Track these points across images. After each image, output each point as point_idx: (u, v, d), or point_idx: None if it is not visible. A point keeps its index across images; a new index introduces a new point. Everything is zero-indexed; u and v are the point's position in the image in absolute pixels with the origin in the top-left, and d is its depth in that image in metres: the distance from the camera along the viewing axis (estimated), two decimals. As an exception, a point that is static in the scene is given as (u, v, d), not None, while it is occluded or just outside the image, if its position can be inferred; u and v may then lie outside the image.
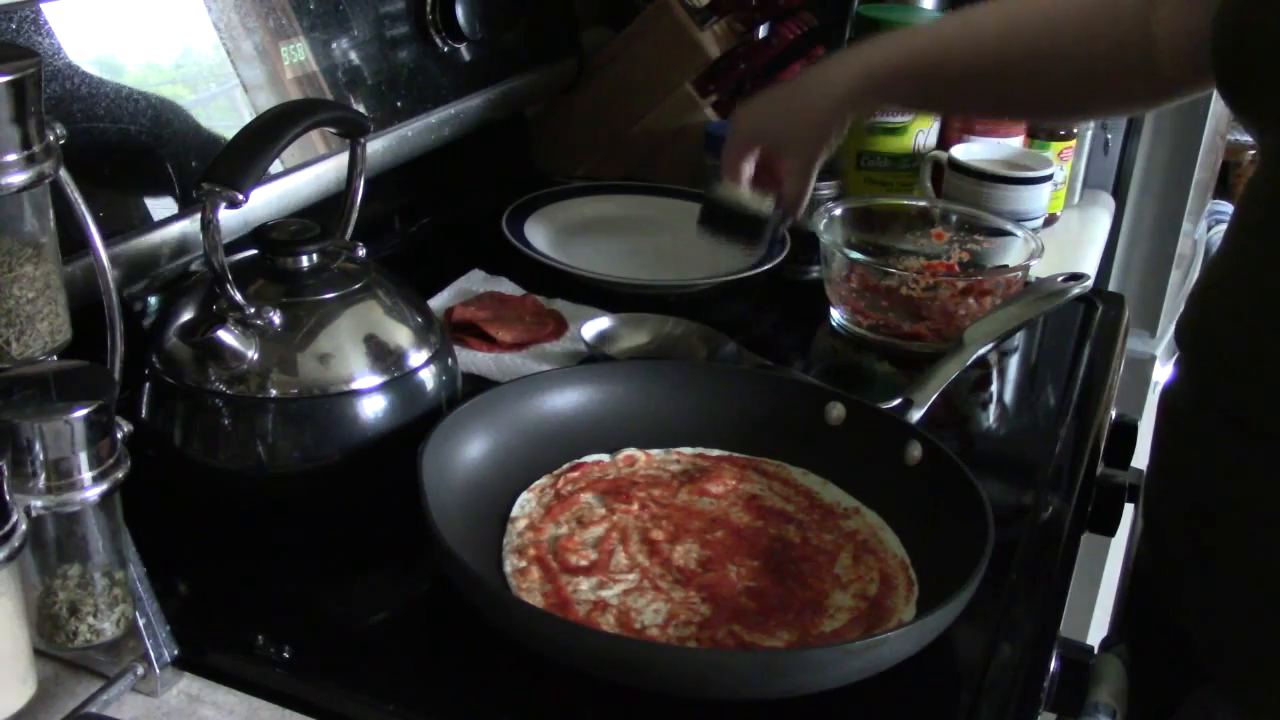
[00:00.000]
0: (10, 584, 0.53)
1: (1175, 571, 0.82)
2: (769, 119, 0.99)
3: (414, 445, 0.69)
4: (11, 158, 0.55)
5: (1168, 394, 0.84)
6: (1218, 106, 1.58)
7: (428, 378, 0.75)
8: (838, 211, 1.09)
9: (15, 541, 0.51)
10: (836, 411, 0.80)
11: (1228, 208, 2.25)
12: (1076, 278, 1.04)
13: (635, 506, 0.74)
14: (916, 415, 0.84)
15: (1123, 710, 0.70)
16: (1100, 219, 1.45)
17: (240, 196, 0.67)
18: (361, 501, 0.73)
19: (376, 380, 0.72)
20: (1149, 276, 1.69)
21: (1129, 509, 0.98)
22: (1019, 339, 1.06)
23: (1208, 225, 2.07)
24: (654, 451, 0.80)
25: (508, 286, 1.07)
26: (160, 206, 0.79)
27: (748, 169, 0.99)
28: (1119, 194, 1.58)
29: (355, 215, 0.81)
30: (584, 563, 0.69)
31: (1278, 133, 0.68)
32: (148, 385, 0.72)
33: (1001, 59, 0.90)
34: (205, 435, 0.71)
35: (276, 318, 0.71)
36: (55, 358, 0.60)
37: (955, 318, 1.00)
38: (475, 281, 1.07)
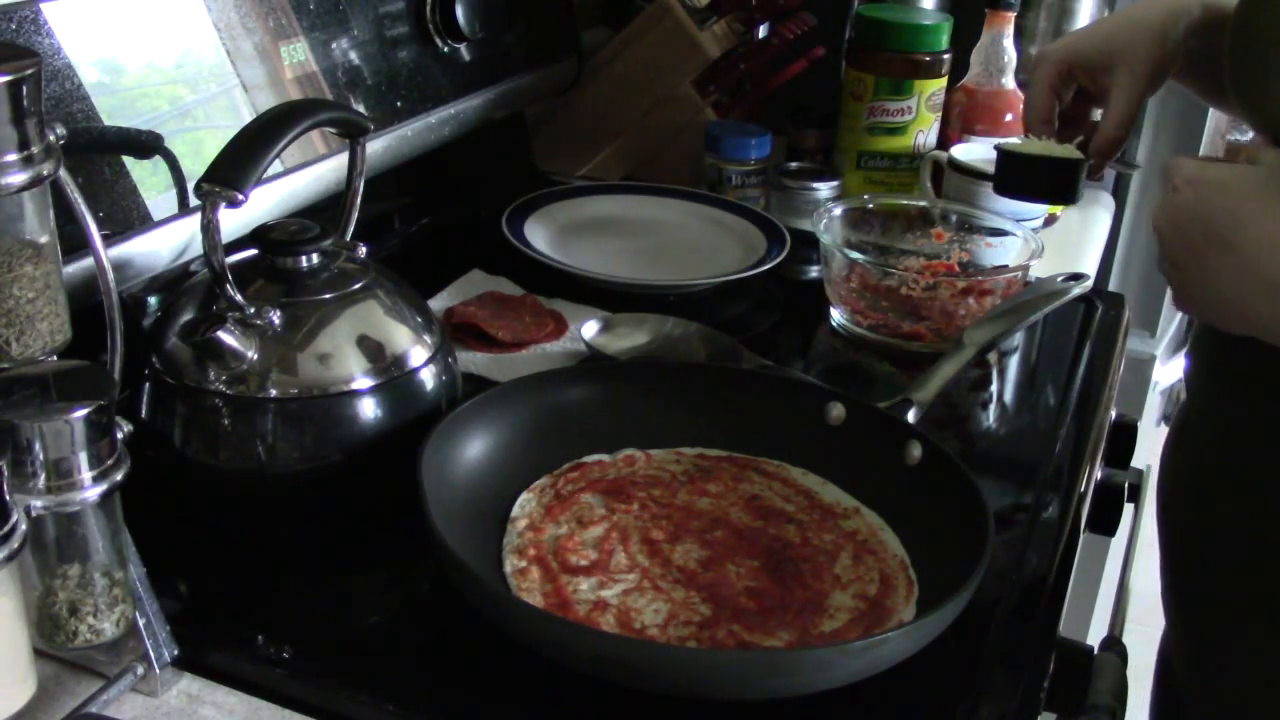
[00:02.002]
0: (10, 584, 0.53)
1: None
2: (1088, 36, 0.85)
3: (414, 445, 0.69)
4: (11, 158, 0.55)
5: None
6: (1218, 106, 1.57)
7: (427, 378, 0.75)
8: (838, 211, 1.09)
9: (15, 541, 0.52)
10: (836, 411, 0.80)
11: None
12: (1076, 278, 1.04)
13: (635, 506, 0.74)
14: (916, 415, 0.84)
15: (1123, 711, 0.70)
16: (1100, 219, 1.45)
17: (240, 196, 0.67)
18: (361, 501, 0.73)
19: (376, 380, 0.72)
20: (1149, 276, 1.69)
21: (1129, 509, 0.98)
22: (1019, 339, 1.06)
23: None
24: (654, 451, 0.80)
25: (508, 286, 1.07)
26: (160, 206, 0.79)
27: (1055, 110, 0.86)
28: (1119, 194, 1.58)
29: (355, 215, 0.81)
30: (584, 563, 0.69)
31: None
32: (148, 385, 0.72)
33: None
34: (205, 435, 0.71)
35: (276, 318, 0.71)
36: (55, 358, 0.60)
37: (955, 318, 1.00)
38: (475, 281, 1.07)
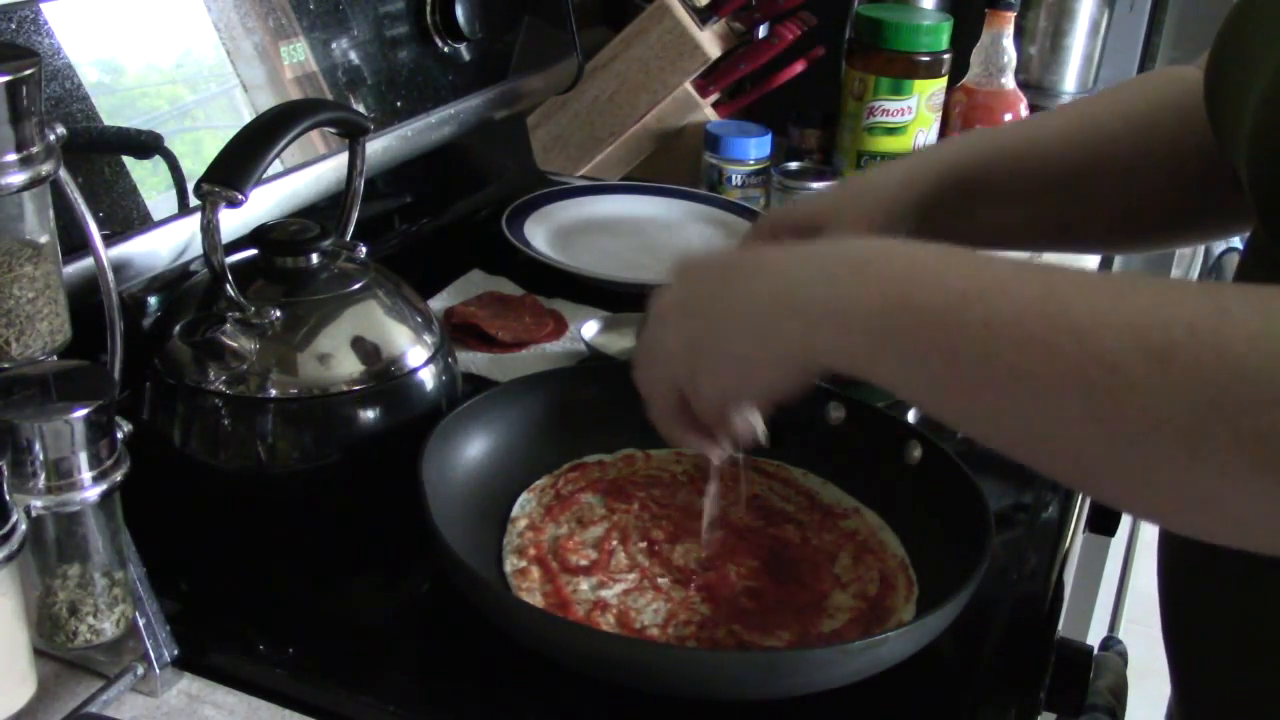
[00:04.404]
0: (10, 584, 0.53)
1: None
2: (807, 199, 0.77)
3: (414, 445, 0.69)
4: (11, 158, 0.55)
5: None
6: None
7: (427, 378, 0.75)
8: (838, 211, 1.09)
9: (15, 542, 0.51)
10: (836, 411, 0.80)
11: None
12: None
13: (635, 506, 0.74)
14: (916, 415, 0.84)
15: (1123, 710, 0.70)
16: (1100, 219, 1.44)
17: (240, 196, 0.67)
18: (361, 501, 0.73)
19: (376, 380, 0.72)
20: (1148, 274, 1.68)
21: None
22: (1019, 339, 1.05)
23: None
24: (654, 451, 0.80)
25: (508, 286, 1.07)
26: (160, 206, 0.79)
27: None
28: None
29: (355, 215, 0.81)
30: (584, 563, 0.69)
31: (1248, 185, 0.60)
32: (148, 385, 0.72)
33: (1070, 156, 0.74)
34: (205, 435, 0.71)
35: (276, 318, 0.71)
36: (55, 358, 0.60)
37: (955, 318, 1.00)
38: (475, 281, 1.07)
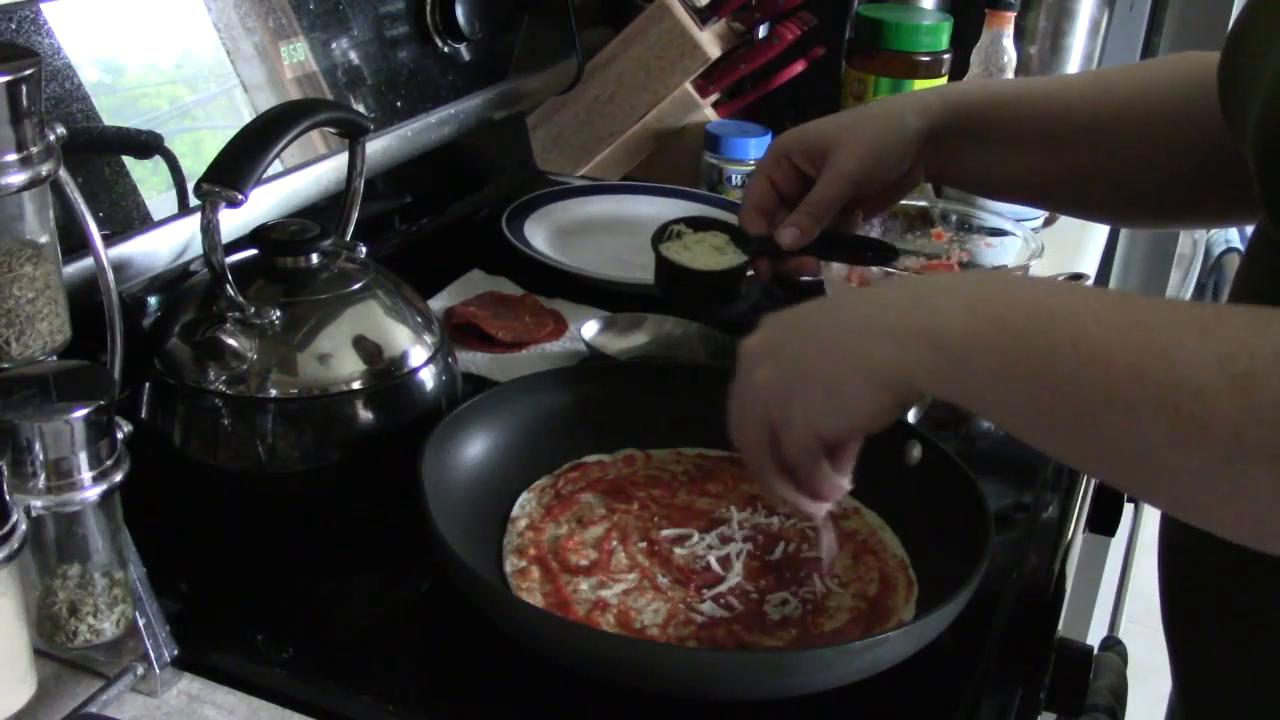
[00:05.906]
0: (10, 584, 0.53)
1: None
2: (815, 123, 0.79)
3: (414, 445, 0.69)
4: (11, 158, 0.55)
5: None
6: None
7: (427, 377, 0.75)
8: (838, 211, 1.09)
9: (15, 541, 0.52)
10: (836, 411, 0.79)
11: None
12: (1077, 278, 1.04)
13: (635, 506, 0.74)
14: (916, 415, 0.84)
15: (1123, 710, 0.70)
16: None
17: (240, 196, 0.67)
18: (361, 501, 0.73)
19: (376, 380, 0.72)
20: (1149, 276, 1.69)
21: (1129, 509, 0.98)
22: (1019, 339, 1.05)
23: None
24: (654, 451, 0.80)
25: (508, 286, 1.07)
26: (160, 206, 0.79)
27: (769, 199, 0.81)
28: (1119, 194, 1.58)
29: (355, 215, 0.81)
30: (584, 562, 0.69)
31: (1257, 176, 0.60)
32: (148, 385, 0.72)
33: (1083, 111, 0.76)
34: (205, 435, 0.71)
35: (276, 318, 0.71)
36: (55, 358, 0.60)
37: (955, 318, 1.00)
38: (475, 281, 1.07)
